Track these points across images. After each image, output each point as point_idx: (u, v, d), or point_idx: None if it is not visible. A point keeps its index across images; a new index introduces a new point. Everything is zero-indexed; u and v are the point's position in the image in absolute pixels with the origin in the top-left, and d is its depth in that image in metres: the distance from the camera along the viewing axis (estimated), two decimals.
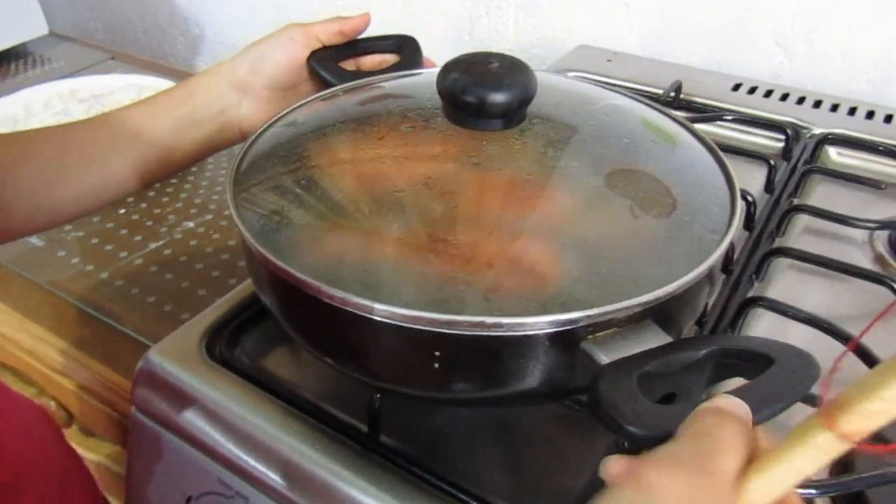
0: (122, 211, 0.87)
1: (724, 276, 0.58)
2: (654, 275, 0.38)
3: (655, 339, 0.35)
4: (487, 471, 0.45)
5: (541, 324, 0.35)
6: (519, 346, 0.35)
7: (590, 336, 0.36)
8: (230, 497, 0.46)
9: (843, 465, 0.44)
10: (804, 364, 0.31)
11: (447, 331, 0.34)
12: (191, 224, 0.84)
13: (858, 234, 0.66)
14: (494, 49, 0.51)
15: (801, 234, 0.67)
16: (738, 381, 0.34)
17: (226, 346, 0.51)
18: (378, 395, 0.44)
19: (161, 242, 0.81)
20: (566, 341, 0.36)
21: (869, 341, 0.51)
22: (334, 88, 0.57)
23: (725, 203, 0.45)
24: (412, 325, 0.35)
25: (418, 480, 0.43)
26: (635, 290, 0.36)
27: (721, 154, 0.49)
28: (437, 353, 0.35)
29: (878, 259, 0.64)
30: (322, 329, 0.40)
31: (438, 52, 0.66)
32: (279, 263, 0.38)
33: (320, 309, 0.37)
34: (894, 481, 0.40)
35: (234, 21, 1.39)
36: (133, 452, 0.52)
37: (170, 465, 0.49)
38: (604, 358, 0.34)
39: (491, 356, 0.36)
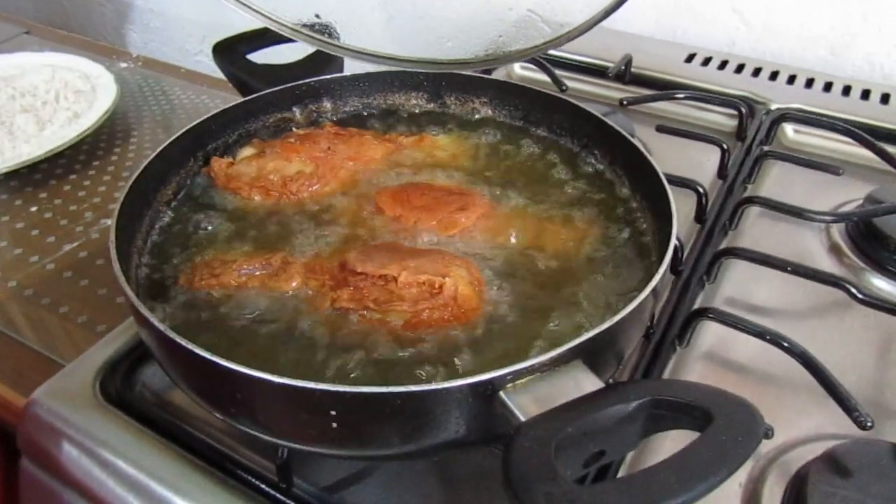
0: (35, 209, 0.80)
1: (673, 277, 0.54)
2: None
3: (583, 382, 0.31)
4: None
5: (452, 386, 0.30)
6: (422, 401, 0.31)
7: (509, 385, 0.31)
8: None
9: (796, 496, 0.41)
10: (747, 419, 0.27)
11: (343, 389, 0.30)
12: (109, 221, 0.78)
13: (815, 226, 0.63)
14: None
15: (756, 219, 0.63)
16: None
17: (123, 384, 0.46)
18: (285, 450, 0.39)
19: (76, 244, 0.75)
20: (482, 393, 0.31)
21: (820, 341, 0.48)
22: None
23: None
24: (305, 386, 0.30)
25: None
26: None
27: (650, 159, 0.44)
28: (333, 413, 0.31)
29: (834, 249, 0.61)
30: (215, 393, 0.35)
31: None
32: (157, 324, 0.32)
33: (213, 377, 0.33)
34: None
35: None
36: (23, 501, 0.47)
37: None
38: (521, 415, 0.30)
39: (394, 412, 0.31)
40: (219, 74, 0.59)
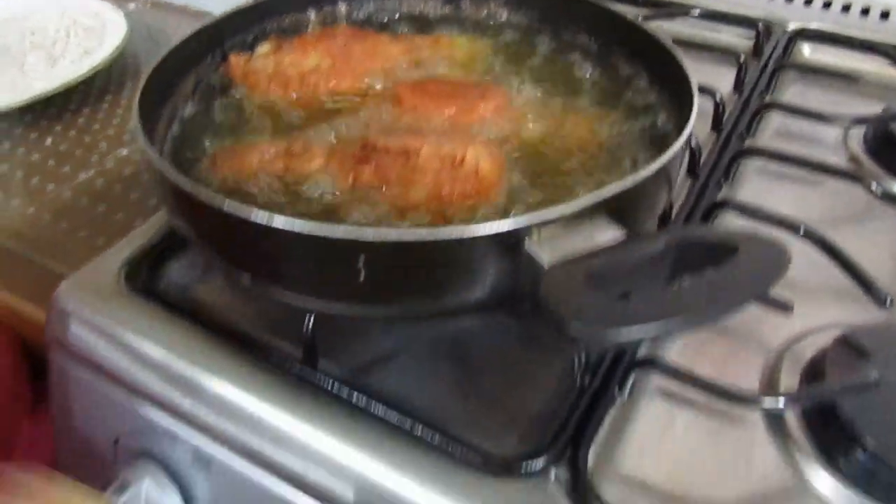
0: (49, 141, 0.80)
1: (690, 179, 0.54)
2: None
3: (607, 234, 0.31)
4: (436, 394, 0.41)
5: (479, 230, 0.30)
6: (448, 250, 0.31)
7: (534, 235, 0.31)
8: (159, 436, 0.43)
9: (813, 374, 0.42)
10: (773, 252, 0.27)
11: (367, 237, 0.30)
12: (124, 151, 0.78)
13: (832, 134, 0.62)
14: None
15: (772, 135, 0.63)
16: None
17: (148, 276, 0.47)
18: (311, 318, 0.40)
19: (92, 172, 0.75)
20: (507, 243, 0.31)
21: (837, 240, 0.48)
22: None
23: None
24: (330, 236, 0.30)
25: (358, 409, 0.39)
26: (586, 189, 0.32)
27: (670, 46, 0.44)
28: (359, 264, 0.31)
29: (853, 159, 0.60)
30: (243, 251, 0.36)
31: None
32: (189, 188, 0.33)
33: (237, 229, 0.33)
34: (865, 390, 0.37)
35: None
36: (55, 396, 0.48)
37: (94, 406, 0.45)
38: (547, 259, 0.30)
39: (420, 262, 0.31)
40: None
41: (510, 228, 0.31)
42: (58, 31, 0.92)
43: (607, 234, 0.32)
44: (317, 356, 0.41)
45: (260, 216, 0.30)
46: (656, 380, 0.42)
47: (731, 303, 0.25)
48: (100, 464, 0.45)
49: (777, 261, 0.27)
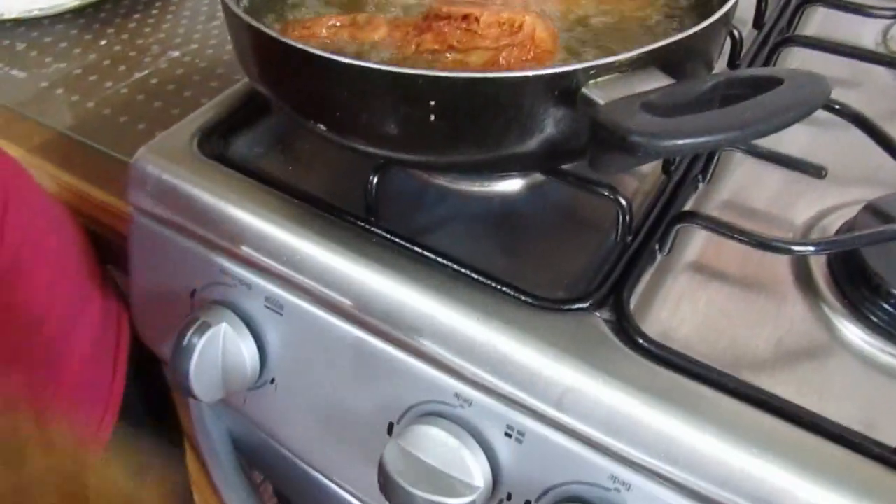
0: (104, 42, 0.83)
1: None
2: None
3: (659, 81, 0.34)
4: (488, 254, 0.45)
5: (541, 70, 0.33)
6: (514, 90, 0.34)
7: (591, 81, 0.34)
8: (233, 286, 0.47)
9: (843, 224, 0.44)
10: (814, 81, 0.30)
11: (441, 74, 0.33)
12: (176, 53, 0.81)
13: (872, 32, 0.63)
14: None
15: (815, 23, 0.64)
16: None
17: (219, 144, 0.50)
18: (375, 177, 0.43)
19: (147, 72, 0.78)
20: (566, 89, 0.34)
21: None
22: None
23: None
24: (410, 74, 0.33)
25: (417, 256, 0.43)
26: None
27: None
28: (432, 103, 0.34)
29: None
30: (320, 94, 0.38)
31: None
32: (272, 33, 0.35)
33: (318, 74, 0.36)
34: (890, 239, 0.40)
35: None
36: (134, 252, 0.52)
37: (171, 260, 0.49)
38: (602, 99, 0.33)
39: (486, 104, 0.34)
40: None
41: (570, 69, 0.34)
42: None
43: (660, 81, 0.35)
44: (379, 214, 0.44)
45: (349, 59, 0.33)
46: (693, 246, 0.45)
47: (778, 119, 0.28)
48: (177, 315, 0.49)
49: (819, 86, 0.29)
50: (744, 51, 0.57)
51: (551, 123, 0.36)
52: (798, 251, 0.40)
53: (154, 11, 0.88)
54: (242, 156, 0.51)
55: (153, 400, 0.66)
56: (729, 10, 0.37)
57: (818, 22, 0.65)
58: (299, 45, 0.35)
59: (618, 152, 0.29)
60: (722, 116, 0.28)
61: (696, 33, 0.35)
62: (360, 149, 0.39)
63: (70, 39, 0.84)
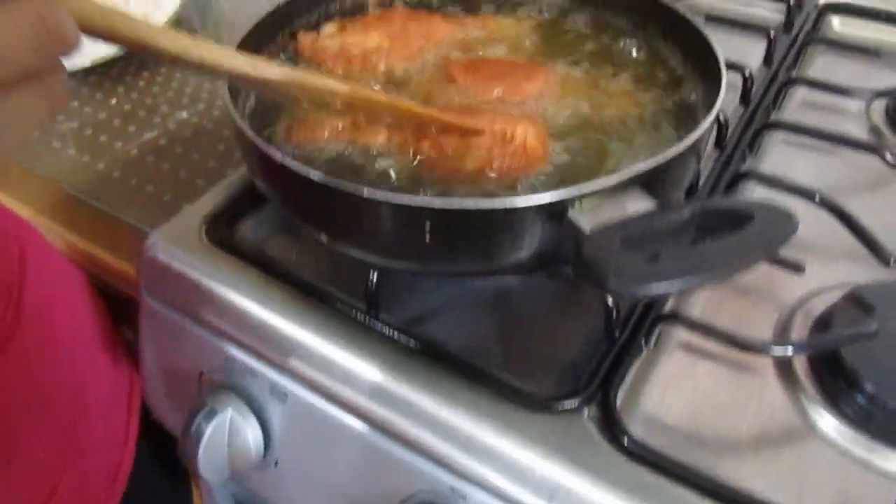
0: (114, 101, 0.86)
1: (718, 151, 0.58)
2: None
3: (641, 203, 0.36)
4: (481, 342, 0.47)
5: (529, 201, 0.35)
6: (505, 217, 0.36)
7: (577, 205, 0.36)
8: (239, 372, 0.49)
9: (822, 327, 0.46)
10: (782, 218, 0.32)
11: (440, 206, 0.35)
12: (184, 114, 0.83)
13: (855, 106, 0.66)
14: None
15: (798, 107, 0.67)
16: None
17: (226, 231, 0.52)
18: (375, 274, 0.45)
19: (155, 133, 0.81)
20: (553, 213, 0.36)
21: (854, 207, 0.52)
22: None
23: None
24: (406, 203, 0.36)
25: (414, 352, 0.45)
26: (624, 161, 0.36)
27: (702, 28, 0.48)
28: (427, 226, 0.36)
29: (874, 130, 0.64)
30: (324, 215, 0.41)
31: None
32: (278, 156, 0.38)
33: (320, 195, 0.38)
34: (866, 339, 0.42)
35: None
36: (143, 334, 0.54)
37: (179, 343, 0.52)
38: (588, 226, 0.35)
39: (479, 227, 0.37)
40: None
41: (557, 199, 0.36)
42: None
43: (640, 203, 0.37)
44: (379, 307, 0.46)
45: (350, 187, 0.36)
46: (679, 334, 0.48)
47: (746, 261, 0.30)
48: (185, 395, 0.51)
49: (786, 225, 0.32)
50: (729, 132, 0.60)
51: (541, 241, 0.38)
52: (777, 354, 0.42)
53: (163, 69, 0.90)
54: (248, 242, 0.54)
55: (167, 464, 0.68)
56: (703, 134, 0.39)
57: (803, 95, 0.67)
58: (298, 169, 0.37)
59: (597, 288, 0.32)
60: (694, 262, 0.30)
61: (675, 157, 0.38)
62: (358, 257, 0.42)
63: (81, 98, 0.86)
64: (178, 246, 0.51)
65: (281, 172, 0.39)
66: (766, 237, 0.31)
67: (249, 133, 0.39)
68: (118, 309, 0.67)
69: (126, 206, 0.71)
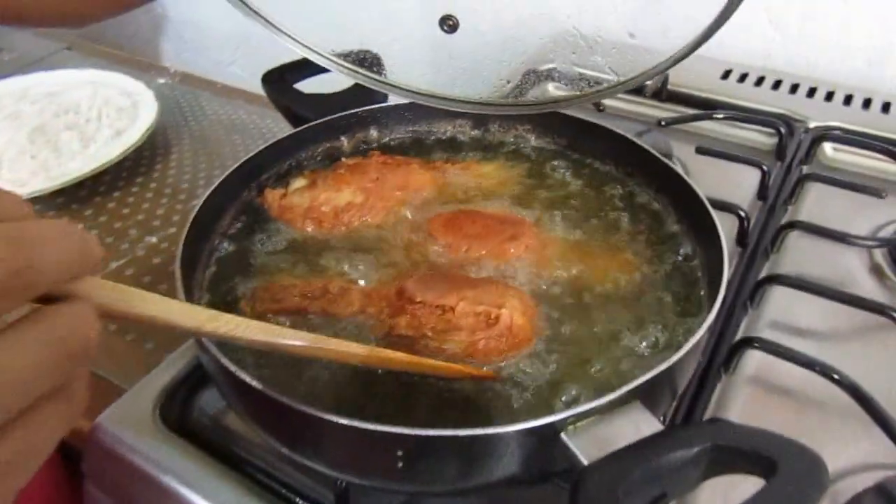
0: (80, 227, 0.81)
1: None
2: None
3: (642, 424, 0.32)
4: None
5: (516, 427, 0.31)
6: (488, 443, 0.32)
7: (570, 427, 0.32)
8: None
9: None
10: (811, 469, 0.27)
11: (411, 432, 0.31)
12: (153, 239, 0.79)
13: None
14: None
15: (797, 241, 0.63)
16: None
17: (181, 409, 0.48)
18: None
19: (123, 261, 0.77)
20: (543, 434, 0.32)
21: (865, 365, 0.48)
22: None
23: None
24: (376, 428, 0.31)
25: None
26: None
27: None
28: (399, 454, 0.32)
29: (876, 269, 0.61)
30: (284, 432, 0.37)
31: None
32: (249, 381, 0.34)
33: (285, 416, 0.34)
34: None
35: None
36: None
37: None
38: (584, 459, 0.31)
39: (459, 454, 0.32)
40: (253, 88, 0.59)
41: (546, 422, 0.32)
42: (90, 110, 0.94)
43: (640, 417, 0.33)
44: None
45: (320, 413, 0.31)
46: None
47: None
48: None
49: (816, 479, 0.27)
50: (729, 274, 0.56)
51: (528, 462, 0.34)
52: None
53: (134, 189, 0.87)
54: (210, 416, 0.49)
55: None
56: (697, 342, 0.36)
57: (799, 239, 0.64)
58: (269, 393, 0.33)
59: None
60: None
61: (669, 367, 0.34)
62: (323, 473, 0.37)
63: None
64: (130, 431, 0.46)
65: (242, 389, 0.34)
66: (794, 496, 0.27)
67: (216, 353, 0.35)
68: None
69: None
